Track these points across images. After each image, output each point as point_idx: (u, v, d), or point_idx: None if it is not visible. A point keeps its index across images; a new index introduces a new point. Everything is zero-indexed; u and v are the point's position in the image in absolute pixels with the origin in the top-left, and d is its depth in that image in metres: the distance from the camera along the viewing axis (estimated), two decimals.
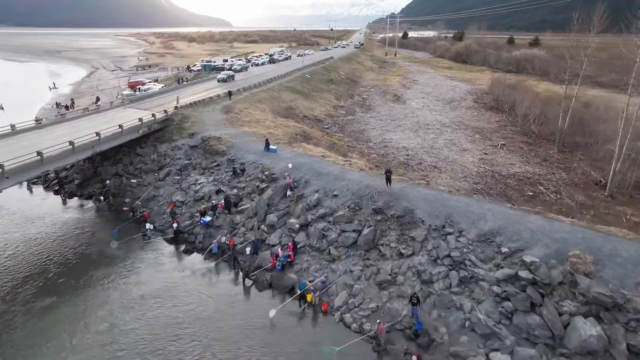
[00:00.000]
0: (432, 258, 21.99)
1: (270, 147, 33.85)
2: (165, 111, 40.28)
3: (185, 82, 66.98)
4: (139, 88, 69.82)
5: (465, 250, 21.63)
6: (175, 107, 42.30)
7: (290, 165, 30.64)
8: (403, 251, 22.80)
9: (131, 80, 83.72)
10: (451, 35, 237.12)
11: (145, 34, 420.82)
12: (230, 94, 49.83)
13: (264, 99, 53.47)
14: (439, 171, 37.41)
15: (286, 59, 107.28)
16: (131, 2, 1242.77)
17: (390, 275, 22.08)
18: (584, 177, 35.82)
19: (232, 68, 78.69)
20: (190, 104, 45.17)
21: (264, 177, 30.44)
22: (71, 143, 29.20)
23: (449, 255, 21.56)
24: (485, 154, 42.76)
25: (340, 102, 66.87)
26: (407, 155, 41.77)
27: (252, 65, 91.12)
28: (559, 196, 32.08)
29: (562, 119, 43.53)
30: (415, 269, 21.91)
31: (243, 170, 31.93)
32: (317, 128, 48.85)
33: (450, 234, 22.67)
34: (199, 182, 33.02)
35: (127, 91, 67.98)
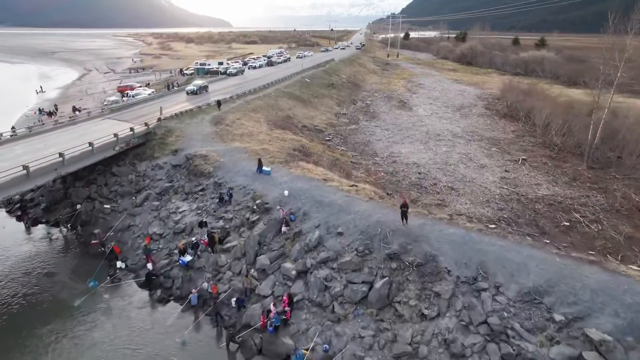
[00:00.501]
0: (463, 323, 17.38)
1: (264, 168, 29.24)
2: (146, 124, 35.64)
3: (175, 88, 62.35)
4: (127, 94, 65.30)
5: (505, 314, 17.03)
6: (159, 119, 37.67)
7: (286, 193, 26.04)
8: (425, 312, 18.20)
9: (120, 85, 79.12)
10: (453, 35, 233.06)
11: (143, 35, 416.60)
12: (219, 104, 44.91)
13: (259, 107, 48.86)
14: (457, 194, 32.75)
15: (285, 61, 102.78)
16: (131, 2, 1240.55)
17: (410, 344, 17.46)
18: (625, 201, 31.18)
19: (227, 72, 74.22)
20: (177, 114, 40.55)
21: (255, 207, 25.83)
22: (25, 167, 24.58)
23: (485, 322, 16.95)
24: (506, 171, 38.11)
25: (342, 109, 62.26)
26: (419, 173, 37.11)
27: (248, 69, 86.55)
28: (600, 227, 27.44)
29: (592, 130, 38.87)
30: (442, 337, 17.31)
31: (231, 197, 27.32)
32: (318, 140, 44.23)
33: (484, 289, 18.08)
34: (180, 209, 28.40)
35: (114, 97, 63.36)
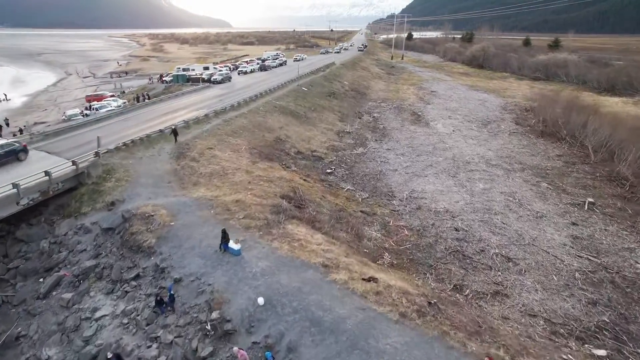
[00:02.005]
0: None
1: (231, 245, 18.90)
2: (74, 163, 25.24)
3: (146, 100, 51.96)
4: (91, 106, 55.01)
5: None
6: (96, 154, 27.25)
7: (260, 301, 15.73)
8: None
9: (89, 94, 68.79)
10: (459, 36, 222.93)
11: (139, 35, 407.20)
12: (175, 133, 32.45)
13: (241, 128, 38.49)
14: (518, 270, 22.40)
15: (281, 64, 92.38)
16: (131, 3, 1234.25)
17: None
18: None
19: (212, 79, 63.79)
20: (126, 144, 30.12)
21: (208, 326, 15.51)
22: None
23: None
24: (574, 224, 27.75)
25: (345, 124, 51.86)
26: (457, 230, 26.76)
27: (238, 74, 76.20)
28: None
29: None
30: None
31: (173, 301, 16.97)
32: (316, 176, 33.82)
33: None
34: (98, 314, 18.07)
35: (72, 110, 53.01)
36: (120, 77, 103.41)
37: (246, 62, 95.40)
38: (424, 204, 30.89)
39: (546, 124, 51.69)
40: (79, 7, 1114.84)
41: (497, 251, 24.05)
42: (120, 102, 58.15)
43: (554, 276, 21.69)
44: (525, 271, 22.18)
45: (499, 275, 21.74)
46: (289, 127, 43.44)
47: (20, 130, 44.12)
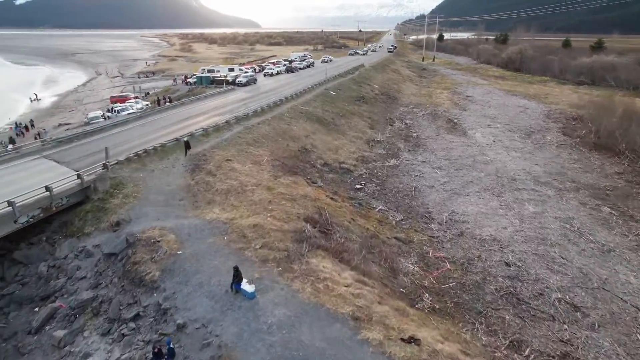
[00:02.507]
0: None
1: (244, 285, 15.97)
2: (79, 176, 23.00)
3: (167, 104, 50.11)
4: (113, 108, 53.82)
5: None
6: (104, 166, 24.99)
7: None
8: None
9: (114, 95, 68.00)
10: (492, 37, 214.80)
11: (170, 35, 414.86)
12: (186, 147, 29.47)
13: (264, 136, 35.73)
14: (589, 324, 18.54)
15: (308, 66, 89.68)
16: (163, 4, 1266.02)
17: None
18: None
19: (237, 81, 61.58)
20: (139, 154, 27.79)
21: None
22: None
23: None
24: None
25: (376, 132, 48.40)
26: (507, 265, 23.01)
27: (264, 76, 73.89)
28: None
29: None
30: None
31: (172, 355, 14.14)
32: (344, 192, 30.61)
33: None
34: None
35: (94, 113, 51.78)
36: (147, 77, 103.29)
37: (273, 63, 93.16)
38: (467, 229, 27.19)
39: (599, 135, 46.61)
40: (116, 8, 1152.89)
41: (559, 295, 20.19)
42: (142, 104, 56.76)
43: (638, 335, 17.71)
44: (599, 326, 18.29)
45: (566, 330, 17.94)
46: (316, 136, 40.40)
47: (38, 135, 42.79)
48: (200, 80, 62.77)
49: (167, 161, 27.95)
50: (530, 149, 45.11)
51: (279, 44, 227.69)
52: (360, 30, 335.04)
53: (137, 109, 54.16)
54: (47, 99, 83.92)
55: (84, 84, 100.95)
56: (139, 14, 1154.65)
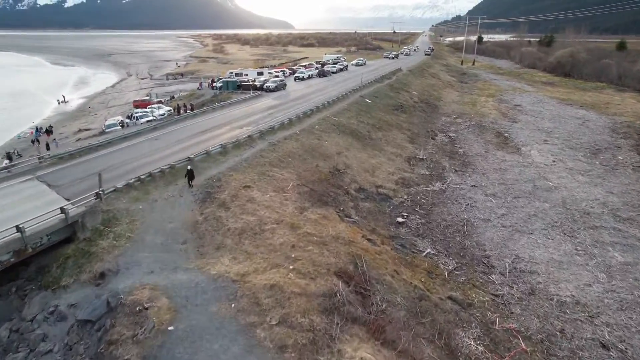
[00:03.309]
0: None
1: None
2: (62, 210, 18.95)
3: (188, 111, 46.33)
4: (132, 114, 50.85)
5: None
6: (97, 195, 20.91)
7: None
8: None
9: (136, 99, 65.43)
10: (536, 40, 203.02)
11: (204, 36, 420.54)
12: (189, 177, 23.64)
13: (290, 154, 31.02)
14: None
15: (341, 69, 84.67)
16: (199, 5, 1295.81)
17: None
18: None
19: (265, 86, 57.40)
20: (141, 179, 23.59)
21: None
22: None
23: None
24: None
25: (417, 148, 42.82)
26: (604, 346, 17.30)
27: (295, 80, 69.49)
28: None
29: None
30: None
31: None
32: (384, 229, 25.42)
33: None
34: None
35: (112, 119, 48.86)
36: (175, 79, 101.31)
37: (304, 66, 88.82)
38: (538, 284, 21.46)
39: None
40: (154, 10, 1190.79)
41: None
42: (165, 109, 53.63)
43: None
44: None
45: None
46: (349, 152, 35.35)
47: (47, 146, 39.79)
48: (226, 85, 58.96)
49: (174, 187, 23.64)
50: (600, 172, 38.36)
51: (311, 45, 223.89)
52: (394, 32, 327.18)
53: (158, 115, 51.01)
54: (75, 101, 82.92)
55: (112, 86, 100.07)
56: (176, 15, 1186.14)
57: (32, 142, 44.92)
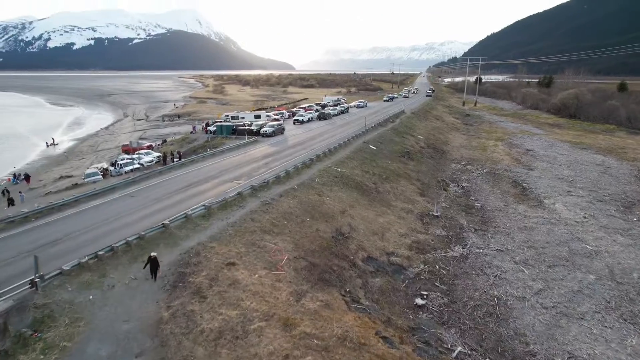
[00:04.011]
0: None
1: None
2: None
3: (175, 161, 42.25)
4: (116, 162, 46.98)
5: None
6: (31, 284, 16.16)
7: None
8: None
9: (125, 143, 61.81)
10: (535, 80, 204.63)
11: (206, 76, 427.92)
12: (154, 267, 17.93)
13: (286, 215, 26.49)
14: None
15: (342, 112, 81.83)
16: (203, 47, 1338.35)
17: None
18: None
19: (261, 131, 53.83)
20: (99, 256, 18.90)
21: None
22: None
23: None
24: None
25: (429, 201, 38.36)
26: None
27: (294, 123, 66.26)
28: None
29: None
30: None
31: None
32: (400, 317, 20.40)
33: None
34: None
35: (91, 169, 44.71)
36: (171, 120, 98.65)
37: (304, 108, 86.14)
38: None
39: None
40: (158, 51, 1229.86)
41: None
42: (153, 155, 49.81)
43: None
44: None
45: None
46: (355, 210, 30.83)
47: (11, 201, 35.26)
48: (220, 129, 55.32)
49: (139, 266, 18.88)
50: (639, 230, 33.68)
51: (311, 86, 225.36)
52: (392, 73, 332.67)
53: (145, 162, 47.00)
54: (65, 143, 79.50)
55: (106, 127, 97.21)
56: (181, 56, 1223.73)
57: (2, 192, 40.51)
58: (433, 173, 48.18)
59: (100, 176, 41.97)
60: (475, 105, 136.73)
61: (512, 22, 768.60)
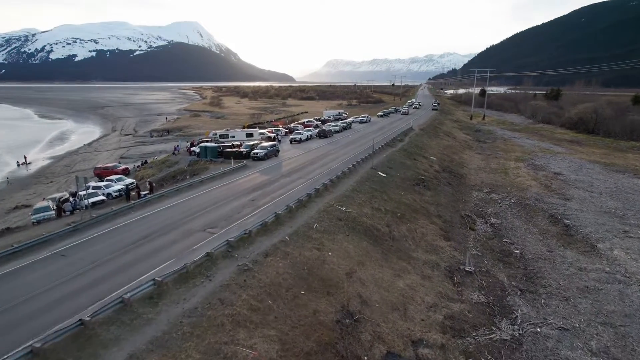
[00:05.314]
0: None
1: None
2: None
3: (141, 196, 34.66)
4: (76, 193, 39.47)
5: None
6: None
7: None
8: None
9: (98, 165, 54.42)
10: (543, 93, 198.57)
11: (205, 88, 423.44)
12: None
13: (272, 289, 18.78)
14: None
15: (344, 128, 74.68)
16: (203, 58, 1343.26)
17: None
18: None
19: (252, 154, 46.44)
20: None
21: None
22: None
23: None
24: None
25: (456, 248, 30.65)
26: None
27: (291, 142, 58.97)
28: None
29: None
30: None
31: None
32: None
33: None
34: None
35: (41, 203, 37.02)
36: (160, 136, 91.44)
37: (302, 124, 79.06)
38: None
39: None
40: (160, 63, 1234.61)
41: None
42: (126, 182, 42.32)
43: None
44: None
45: None
46: (366, 270, 23.17)
47: None
48: (204, 151, 47.78)
49: None
50: None
51: (311, 98, 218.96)
52: (393, 85, 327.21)
53: (113, 191, 39.51)
54: (39, 162, 72.10)
55: (89, 144, 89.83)
56: (181, 68, 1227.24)
57: None
58: (454, 205, 40.57)
59: (53, 212, 34.37)
60: (483, 119, 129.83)
61: (510, 35, 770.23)
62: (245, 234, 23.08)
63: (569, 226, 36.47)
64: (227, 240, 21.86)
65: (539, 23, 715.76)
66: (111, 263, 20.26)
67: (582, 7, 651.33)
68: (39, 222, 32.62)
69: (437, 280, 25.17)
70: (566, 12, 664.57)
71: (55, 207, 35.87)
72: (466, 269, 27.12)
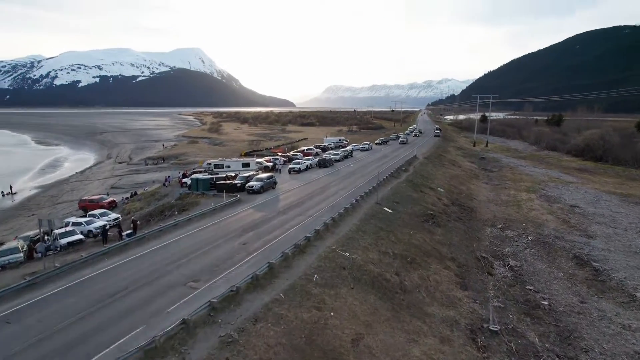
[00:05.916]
0: None
1: None
2: None
3: (122, 238, 31.19)
4: (51, 232, 35.72)
5: None
6: None
7: None
8: None
9: (84, 198, 51.03)
10: (544, 118, 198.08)
11: (206, 113, 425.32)
12: None
13: None
14: None
15: (345, 156, 71.76)
16: (207, 85, 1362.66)
17: None
18: None
19: (247, 186, 43.15)
20: None
21: None
22: None
23: None
24: None
25: (474, 298, 26.86)
26: None
27: (289, 172, 55.80)
28: None
29: None
30: None
31: None
32: None
33: None
34: None
35: (11, 243, 33.43)
36: (155, 164, 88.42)
37: (302, 152, 76.20)
38: None
39: None
40: (162, 89, 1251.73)
41: None
42: (111, 217, 38.95)
43: None
44: None
45: None
46: (375, 335, 19.39)
47: None
48: (196, 183, 44.46)
49: None
50: None
51: (311, 124, 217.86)
52: (392, 110, 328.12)
53: (94, 229, 35.98)
54: (25, 192, 68.74)
55: (82, 172, 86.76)
56: (183, 94, 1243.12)
57: None
58: (467, 244, 36.89)
59: (21, 255, 30.82)
60: (486, 145, 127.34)
61: (507, 61, 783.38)
62: (231, 291, 19.41)
63: (599, 270, 32.69)
64: (210, 301, 18.19)
65: (535, 50, 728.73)
66: (62, 335, 16.53)
67: (577, 35, 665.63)
68: (3, 267, 29.01)
69: (458, 343, 21.29)
70: (561, 40, 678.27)
71: (26, 248, 32.34)
72: (490, 327, 23.24)
